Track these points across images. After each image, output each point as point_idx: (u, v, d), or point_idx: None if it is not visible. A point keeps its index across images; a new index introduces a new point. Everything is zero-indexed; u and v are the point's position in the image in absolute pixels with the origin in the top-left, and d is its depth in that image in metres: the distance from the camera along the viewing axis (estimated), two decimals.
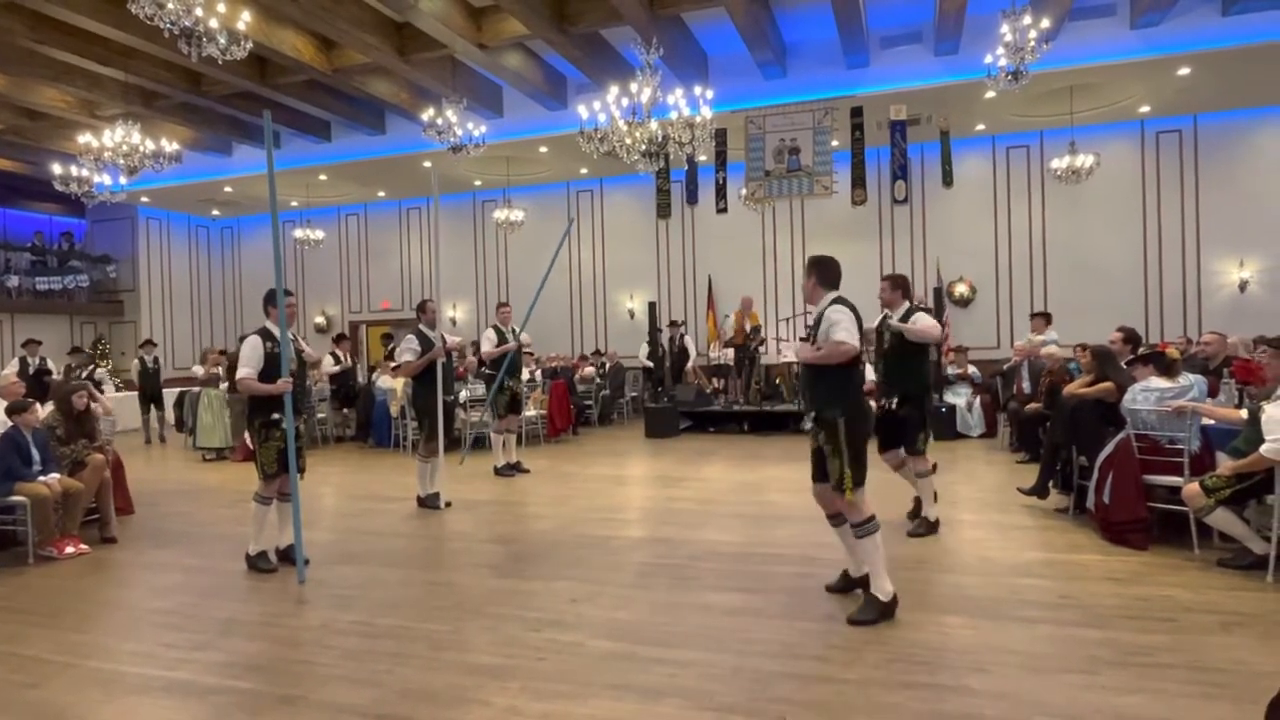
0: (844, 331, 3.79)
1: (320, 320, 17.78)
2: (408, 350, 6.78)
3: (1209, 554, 4.71)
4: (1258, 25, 9.48)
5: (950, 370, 10.91)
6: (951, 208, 13.53)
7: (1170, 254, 12.75)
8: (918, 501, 5.72)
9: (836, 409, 3.86)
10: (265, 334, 5.11)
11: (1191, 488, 4.60)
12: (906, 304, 5.41)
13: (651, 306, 13.46)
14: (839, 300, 3.98)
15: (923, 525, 5.49)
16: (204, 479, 8.88)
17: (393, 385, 10.81)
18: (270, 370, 5.00)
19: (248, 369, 4.98)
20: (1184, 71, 10.38)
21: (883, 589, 3.84)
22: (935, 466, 5.66)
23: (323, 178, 14.90)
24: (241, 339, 5.39)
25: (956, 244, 13.62)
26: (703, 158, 12.38)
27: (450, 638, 3.76)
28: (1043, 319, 10.46)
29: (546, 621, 3.94)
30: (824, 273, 4.08)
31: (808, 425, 4.02)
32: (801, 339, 4.19)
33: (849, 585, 4.14)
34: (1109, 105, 11.75)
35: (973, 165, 13.49)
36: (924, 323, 5.23)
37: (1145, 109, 12.05)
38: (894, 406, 5.41)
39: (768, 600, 4.13)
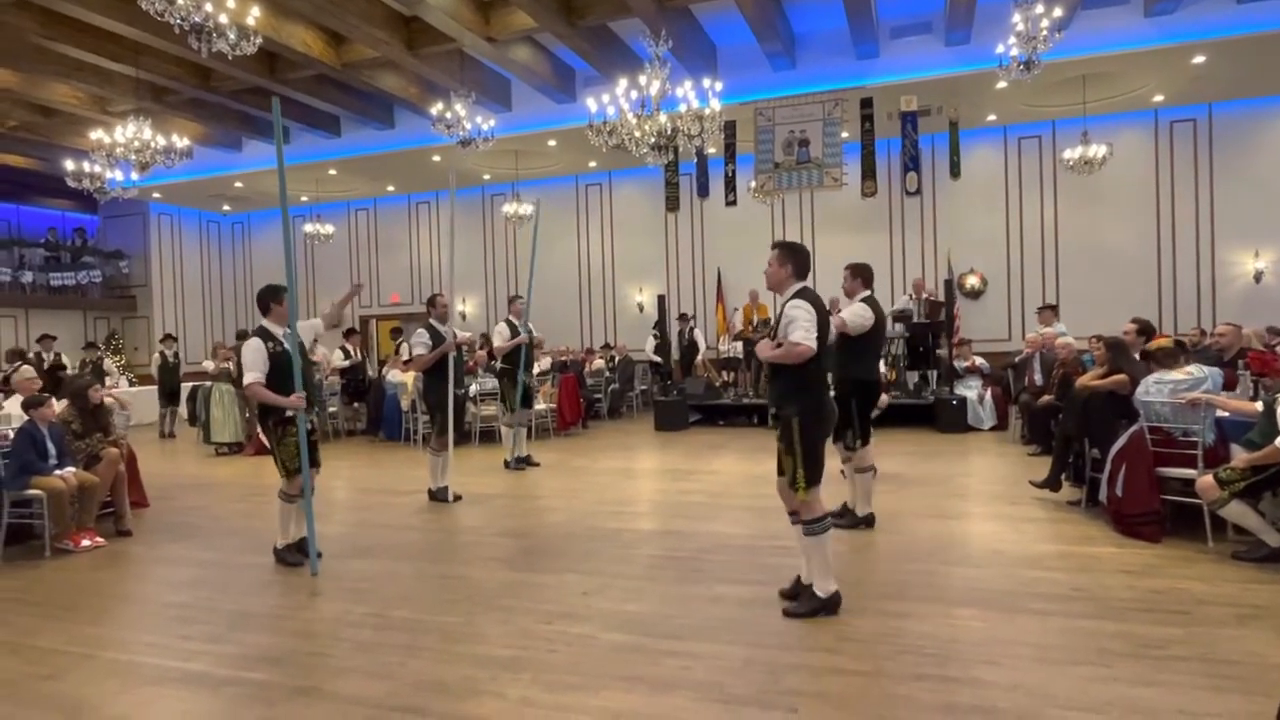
0: (801, 331, 3.65)
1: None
2: (419, 344, 6.81)
3: (1223, 547, 4.68)
4: (1274, 12, 9.35)
5: (959, 363, 10.87)
6: (963, 199, 13.44)
7: (1184, 244, 12.64)
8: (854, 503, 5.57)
9: (792, 406, 3.79)
10: (265, 334, 5.00)
11: (1205, 480, 4.57)
12: (866, 293, 5.37)
13: (661, 300, 13.46)
14: (801, 293, 3.84)
15: (848, 517, 5.45)
16: (217, 473, 8.95)
17: (403, 379, 10.86)
18: (275, 371, 4.91)
19: (254, 373, 4.86)
20: (1199, 60, 10.26)
21: (824, 587, 3.84)
22: (874, 470, 5.47)
23: (332, 172, 14.93)
24: (239, 335, 5.36)
25: (967, 236, 13.53)
26: (712, 150, 12.35)
27: (463, 630, 3.79)
28: (1050, 311, 10.45)
29: (558, 614, 3.96)
30: (799, 261, 3.94)
31: (771, 421, 3.96)
32: (758, 334, 4.14)
33: (800, 592, 3.98)
34: (1122, 94, 11.64)
35: (984, 156, 13.40)
36: (841, 314, 5.17)
37: (1159, 98, 11.93)
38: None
39: (777, 592, 4.12)
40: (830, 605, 3.83)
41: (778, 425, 3.86)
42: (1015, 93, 11.19)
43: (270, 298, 5.14)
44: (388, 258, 17.57)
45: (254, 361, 4.88)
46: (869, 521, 5.48)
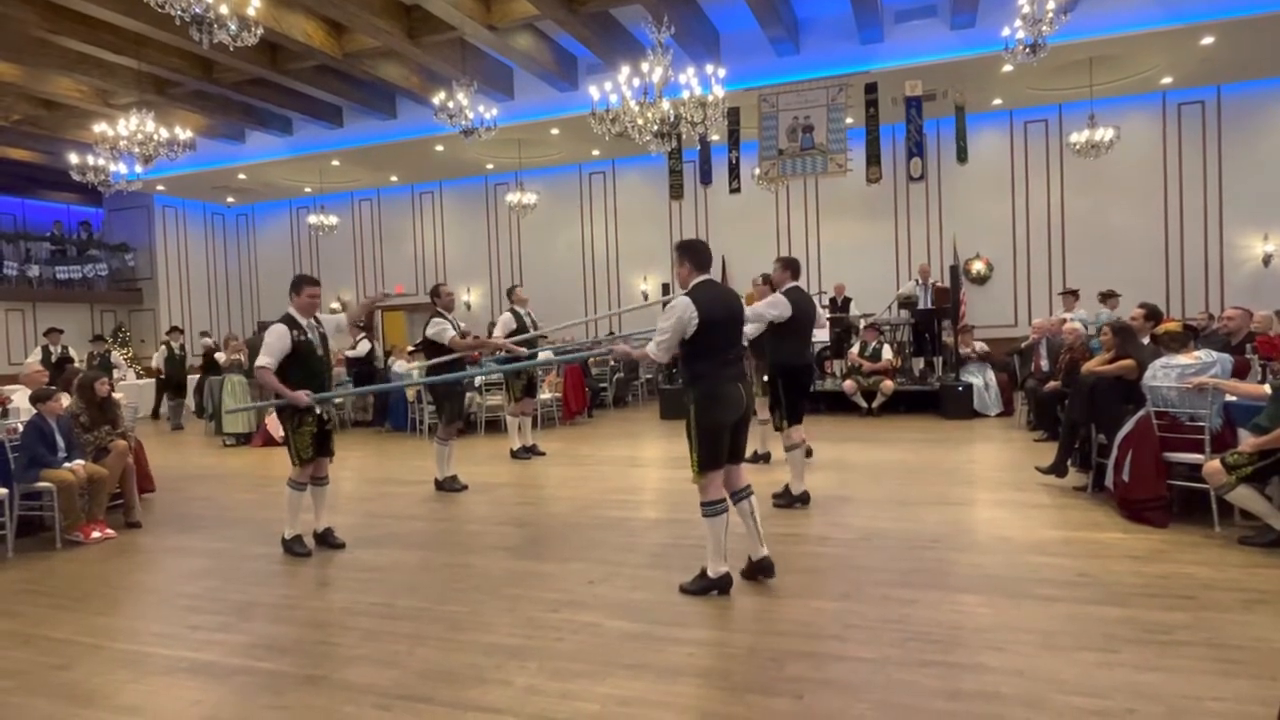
0: (653, 342, 3.89)
1: (336, 305, 17.90)
2: (444, 334, 6.76)
3: (1230, 531, 4.67)
4: None
5: (964, 349, 10.83)
6: (968, 184, 13.36)
7: (1192, 228, 12.55)
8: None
9: (690, 393, 3.93)
10: (291, 322, 5.00)
11: (1212, 465, 4.55)
12: (792, 284, 5.72)
13: (665, 288, 13.44)
14: (695, 288, 3.93)
15: (785, 496, 5.74)
16: (226, 464, 9.00)
17: (409, 370, 10.88)
18: (296, 357, 4.92)
19: (269, 359, 4.85)
20: (1207, 41, 10.16)
21: (715, 568, 3.97)
22: (806, 447, 5.84)
23: (335, 163, 14.93)
24: (260, 326, 5.37)
25: (973, 221, 13.46)
26: (715, 137, 12.27)
27: (469, 619, 3.81)
28: (1073, 296, 10.42)
29: (564, 602, 3.97)
30: (696, 256, 4.03)
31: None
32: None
33: (753, 571, 4.12)
34: (1130, 77, 11.53)
35: (990, 140, 13.31)
36: (755, 308, 5.56)
37: (1167, 80, 11.82)
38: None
39: (783, 580, 4.14)
40: (721, 585, 3.96)
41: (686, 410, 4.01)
42: (1021, 76, 11.10)
43: (293, 289, 5.13)
44: (391, 248, 17.58)
45: (272, 347, 4.88)
46: (804, 499, 5.71)
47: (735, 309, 4.00)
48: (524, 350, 7.71)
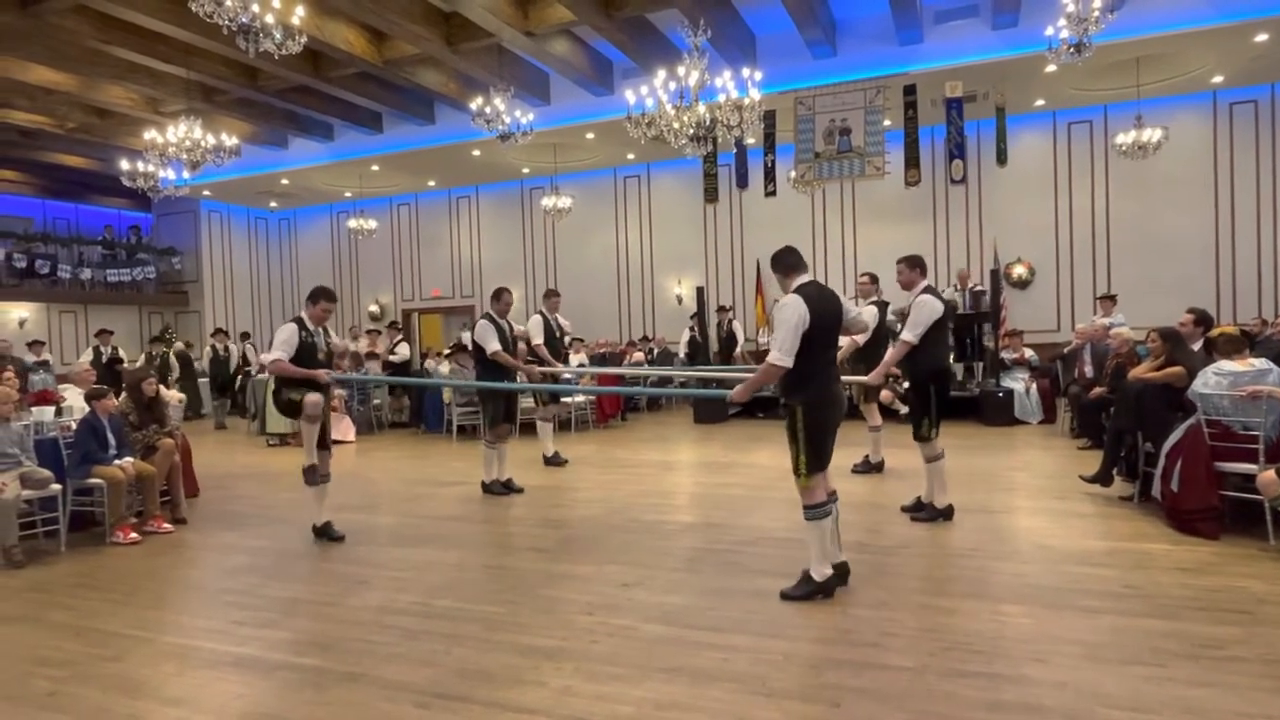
0: (776, 349, 3.72)
1: (374, 309, 18.18)
2: (492, 339, 6.78)
3: None
4: None
5: (1006, 355, 10.63)
6: (1009, 187, 13.12)
7: (1244, 231, 12.17)
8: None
9: (797, 396, 3.85)
10: (300, 323, 5.37)
11: (1267, 475, 4.42)
12: (925, 282, 5.40)
13: (700, 291, 13.42)
14: (799, 289, 3.86)
15: (927, 511, 5.43)
16: (269, 464, 9.18)
17: (445, 372, 11.00)
18: (301, 358, 5.26)
19: (279, 352, 5.22)
20: (1261, 38, 9.85)
21: (820, 571, 3.92)
22: (943, 453, 5.41)
23: (375, 168, 15.16)
24: None
25: (1014, 224, 13.21)
26: (751, 140, 12.23)
27: (505, 620, 3.83)
28: (1110, 301, 10.23)
29: (599, 605, 3.98)
30: (787, 261, 4.00)
31: (781, 410, 4.03)
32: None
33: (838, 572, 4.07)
34: (1178, 76, 11.23)
35: (1032, 142, 13.06)
36: (918, 310, 5.26)
37: (1218, 79, 11.49)
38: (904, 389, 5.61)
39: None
40: (826, 589, 3.92)
41: (785, 414, 3.95)
42: (1065, 76, 10.88)
43: (309, 299, 5.52)
44: (428, 252, 17.80)
45: (281, 342, 5.27)
46: (948, 514, 5.40)
47: (837, 307, 3.95)
48: (561, 368, 7.72)
